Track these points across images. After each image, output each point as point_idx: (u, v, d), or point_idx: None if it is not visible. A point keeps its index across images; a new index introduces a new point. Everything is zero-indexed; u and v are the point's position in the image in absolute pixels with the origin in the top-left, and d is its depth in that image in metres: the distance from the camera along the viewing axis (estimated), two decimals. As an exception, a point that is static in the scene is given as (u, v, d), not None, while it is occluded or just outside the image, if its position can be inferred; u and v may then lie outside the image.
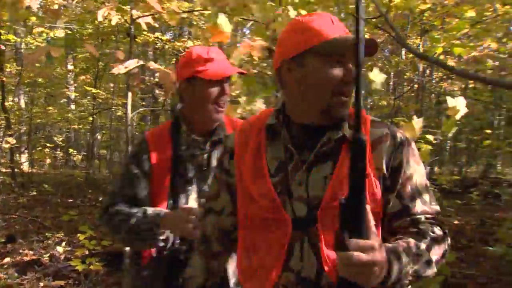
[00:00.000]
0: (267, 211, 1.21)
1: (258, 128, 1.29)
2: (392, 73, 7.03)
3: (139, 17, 4.04)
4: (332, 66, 1.17)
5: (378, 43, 1.20)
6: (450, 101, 2.44)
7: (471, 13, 4.19)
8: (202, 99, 1.71)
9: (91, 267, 4.33)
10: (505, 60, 6.11)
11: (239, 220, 1.31)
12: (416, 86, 6.84)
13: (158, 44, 7.95)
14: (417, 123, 2.39)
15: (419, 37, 6.97)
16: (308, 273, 1.18)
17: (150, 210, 1.69)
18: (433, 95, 8.14)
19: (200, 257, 1.45)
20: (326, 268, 1.16)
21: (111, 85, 11.97)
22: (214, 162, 1.73)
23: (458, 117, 2.42)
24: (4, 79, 9.92)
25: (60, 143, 13.88)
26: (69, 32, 7.88)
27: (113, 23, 3.89)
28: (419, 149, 1.44)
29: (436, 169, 8.65)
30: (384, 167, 1.20)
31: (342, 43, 1.16)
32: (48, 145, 11.96)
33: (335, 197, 1.14)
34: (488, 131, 7.52)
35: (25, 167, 11.17)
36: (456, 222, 6.29)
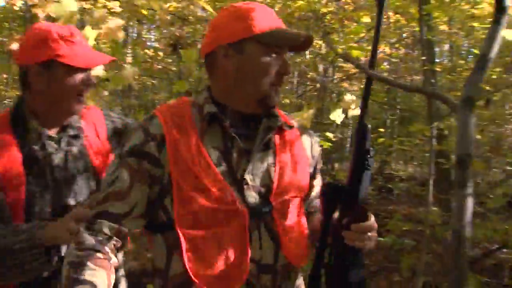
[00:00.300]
0: (219, 203, 1.15)
1: (189, 115, 1.20)
2: (296, 73, 7.28)
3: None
4: (271, 56, 1.19)
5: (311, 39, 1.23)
6: (348, 97, 2.62)
7: (366, 19, 4.46)
8: (63, 89, 1.40)
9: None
10: (397, 63, 6.59)
11: (178, 220, 1.15)
12: (318, 85, 7.13)
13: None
14: (308, 114, 2.51)
15: (322, 38, 7.25)
16: (267, 259, 1.21)
17: (22, 225, 1.33)
18: (334, 94, 8.52)
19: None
20: (285, 251, 1.22)
21: None
22: (73, 161, 1.47)
23: (350, 114, 2.58)
24: None
25: None
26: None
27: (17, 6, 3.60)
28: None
29: (336, 165, 9.07)
30: (310, 155, 1.34)
31: (284, 35, 1.19)
32: None
33: (283, 183, 1.23)
34: (382, 129, 8.09)
35: None
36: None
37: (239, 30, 1.17)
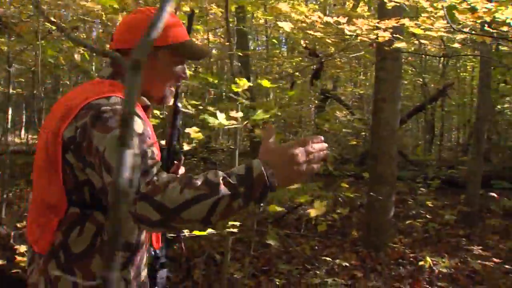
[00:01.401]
0: None
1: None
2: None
3: None
4: (177, 64, 1.39)
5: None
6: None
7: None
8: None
9: None
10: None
11: None
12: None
13: None
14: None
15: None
16: None
17: None
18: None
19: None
20: None
21: None
22: None
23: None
24: None
25: None
26: None
27: None
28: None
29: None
30: None
31: (191, 49, 1.40)
32: None
33: None
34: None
35: None
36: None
37: (157, 38, 1.40)
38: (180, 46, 1.36)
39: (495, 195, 6.41)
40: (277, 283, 3.95)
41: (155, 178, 1.05)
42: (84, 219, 1.26)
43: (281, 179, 1.08)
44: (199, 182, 1.04)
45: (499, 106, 10.28)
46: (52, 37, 5.25)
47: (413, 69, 11.96)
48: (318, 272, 4.22)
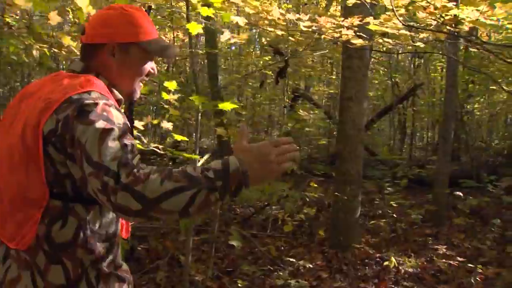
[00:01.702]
0: None
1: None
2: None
3: None
4: (147, 60, 1.44)
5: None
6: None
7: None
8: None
9: None
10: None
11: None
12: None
13: None
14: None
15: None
16: None
17: None
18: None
19: None
20: None
21: None
22: None
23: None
24: None
25: None
26: None
27: None
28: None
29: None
30: None
31: (160, 46, 1.45)
32: None
33: None
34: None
35: None
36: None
37: (130, 34, 1.38)
38: (150, 43, 1.42)
39: (461, 194, 6.47)
40: (239, 285, 3.88)
41: (135, 169, 1.10)
42: (66, 212, 1.27)
43: (253, 176, 1.16)
44: (179, 175, 1.10)
45: (468, 106, 10.43)
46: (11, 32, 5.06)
47: (385, 69, 12.06)
48: (281, 273, 4.16)
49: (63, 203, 1.27)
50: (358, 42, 3.30)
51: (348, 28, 3.51)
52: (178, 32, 9.15)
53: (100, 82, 1.34)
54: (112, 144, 1.13)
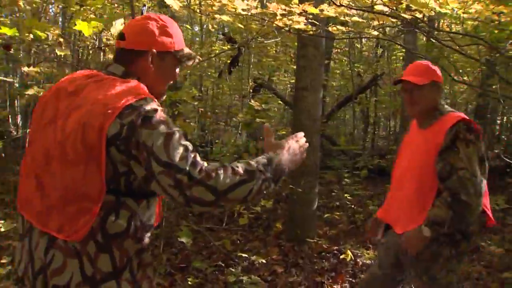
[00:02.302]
0: None
1: None
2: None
3: None
4: (177, 66, 1.63)
5: None
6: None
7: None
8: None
9: None
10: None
11: None
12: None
13: None
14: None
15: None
16: None
17: None
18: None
19: None
20: None
21: None
22: None
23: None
24: None
25: None
26: None
27: None
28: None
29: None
30: None
31: (188, 54, 1.62)
32: None
33: None
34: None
35: None
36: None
37: (168, 44, 1.56)
38: (182, 52, 1.61)
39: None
40: (190, 282, 3.73)
41: (203, 166, 1.31)
42: (119, 206, 1.42)
43: (288, 166, 1.48)
44: (240, 170, 1.33)
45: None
46: None
47: (347, 59, 12.04)
48: (234, 269, 4.03)
49: (116, 198, 1.40)
50: (300, 25, 3.15)
51: (300, 14, 3.37)
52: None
53: (145, 88, 1.48)
54: (177, 145, 1.32)
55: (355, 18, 3.09)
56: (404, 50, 9.79)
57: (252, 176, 1.34)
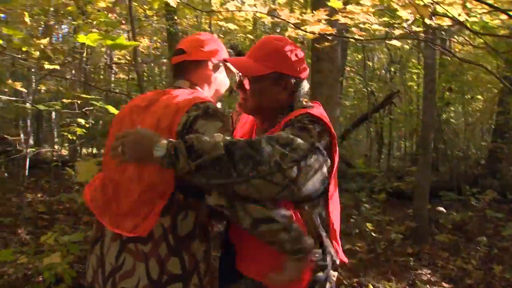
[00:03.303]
0: None
1: None
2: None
3: None
4: (228, 75, 1.81)
5: None
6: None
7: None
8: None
9: None
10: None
11: None
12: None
13: None
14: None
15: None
16: None
17: None
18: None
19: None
20: None
21: None
22: None
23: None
24: None
25: None
26: None
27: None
28: None
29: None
30: None
31: (230, 61, 1.70)
32: None
33: None
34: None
35: None
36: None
37: (222, 54, 1.75)
38: (228, 62, 1.71)
39: (443, 209, 6.03)
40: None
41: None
42: (187, 205, 1.48)
43: None
44: None
45: (444, 115, 10.10)
46: None
47: (360, 78, 11.71)
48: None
49: (185, 197, 1.47)
50: (308, 32, 2.79)
51: (318, 22, 3.03)
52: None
53: (208, 95, 1.71)
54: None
55: (376, 26, 2.73)
56: (419, 66, 9.44)
57: None
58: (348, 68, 12.19)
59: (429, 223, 5.88)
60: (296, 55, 1.68)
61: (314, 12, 3.00)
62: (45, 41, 2.71)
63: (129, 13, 3.13)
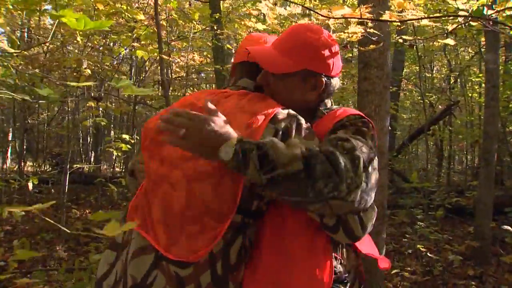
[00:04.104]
0: None
1: None
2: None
3: None
4: None
5: None
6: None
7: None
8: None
9: None
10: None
11: None
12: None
13: None
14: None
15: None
16: None
17: None
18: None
19: None
20: None
21: None
22: None
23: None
24: None
25: None
26: None
27: None
28: None
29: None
30: None
31: None
32: None
33: None
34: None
35: None
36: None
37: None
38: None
39: (510, 227, 5.50)
40: None
41: None
42: (245, 227, 1.28)
43: None
44: None
45: (510, 127, 9.43)
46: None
47: (417, 89, 11.21)
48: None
49: (242, 218, 1.27)
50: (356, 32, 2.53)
51: (359, 23, 2.79)
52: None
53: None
54: None
55: (425, 22, 2.44)
56: (481, 75, 8.88)
57: None
58: (405, 80, 11.73)
59: (493, 242, 5.38)
60: (330, 49, 1.47)
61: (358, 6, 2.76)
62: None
63: (157, 29, 3.02)
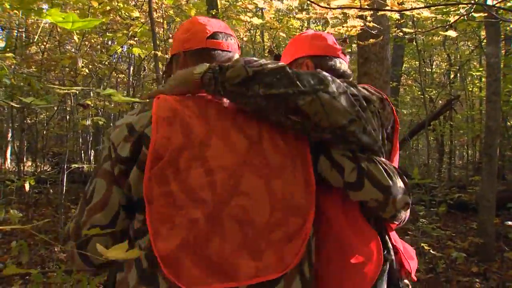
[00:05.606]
0: None
1: None
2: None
3: None
4: None
5: None
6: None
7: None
8: None
9: None
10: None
11: None
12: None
13: None
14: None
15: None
16: None
17: None
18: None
19: None
20: None
21: None
22: None
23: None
24: None
25: None
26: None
27: None
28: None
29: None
30: None
31: None
32: None
33: None
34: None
35: None
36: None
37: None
38: None
39: (512, 223, 5.45)
40: None
41: None
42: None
43: None
44: None
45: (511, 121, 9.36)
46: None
47: (418, 84, 11.14)
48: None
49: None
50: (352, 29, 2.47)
51: (359, 16, 2.73)
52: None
53: None
54: None
55: (425, 14, 2.38)
56: (481, 69, 8.81)
57: None
58: (405, 75, 11.66)
59: (497, 238, 5.32)
60: (317, 37, 1.56)
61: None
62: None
63: (152, 27, 2.96)
